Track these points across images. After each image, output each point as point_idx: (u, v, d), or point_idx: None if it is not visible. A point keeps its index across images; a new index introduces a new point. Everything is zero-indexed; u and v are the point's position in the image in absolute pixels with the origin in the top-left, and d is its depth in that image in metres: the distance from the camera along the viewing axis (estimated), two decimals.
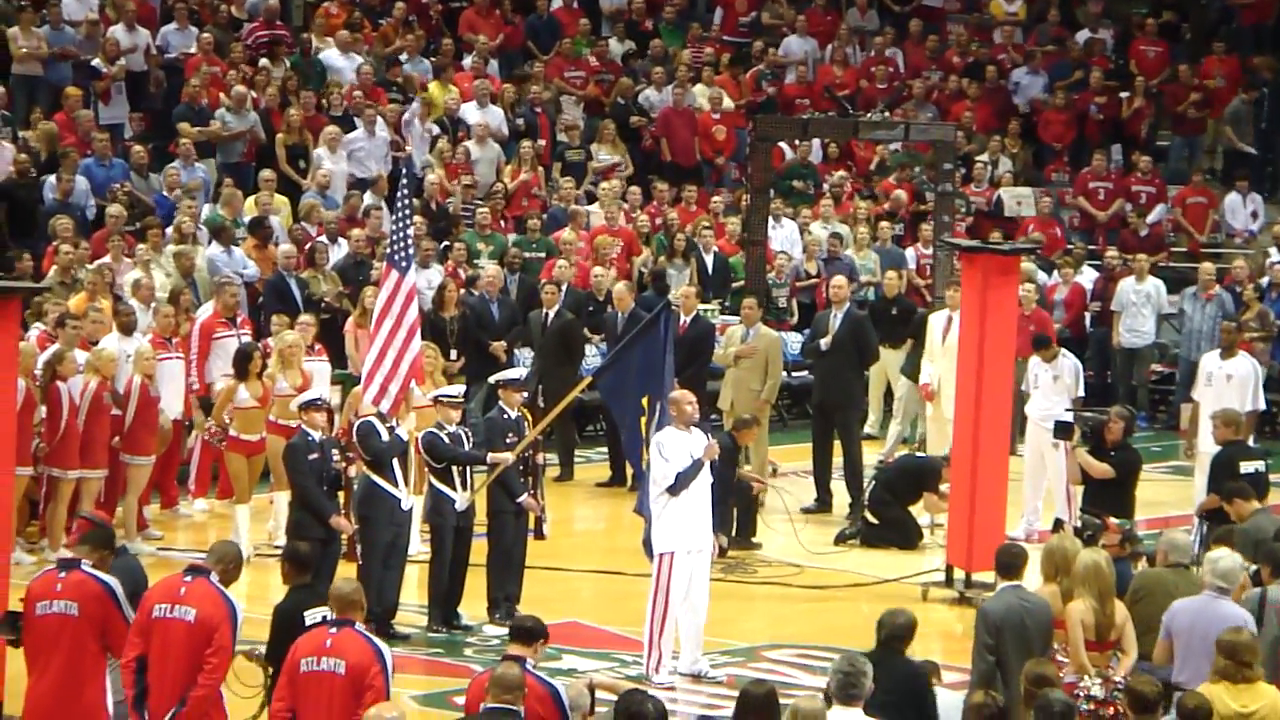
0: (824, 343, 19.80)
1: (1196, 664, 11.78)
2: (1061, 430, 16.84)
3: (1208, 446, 17.31)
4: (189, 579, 10.90)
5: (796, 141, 27.13)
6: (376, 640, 10.41)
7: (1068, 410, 17.88)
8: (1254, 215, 27.91)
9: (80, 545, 11.48)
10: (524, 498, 15.72)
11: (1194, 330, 24.09)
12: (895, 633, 11.31)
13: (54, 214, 21.34)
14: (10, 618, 11.50)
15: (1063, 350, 19.40)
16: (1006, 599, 12.21)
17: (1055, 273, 25.16)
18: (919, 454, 20.03)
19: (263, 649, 11.55)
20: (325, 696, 10.28)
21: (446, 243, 23.26)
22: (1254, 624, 11.86)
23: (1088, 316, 25.42)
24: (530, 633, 10.60)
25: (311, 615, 10.79)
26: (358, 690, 10.22)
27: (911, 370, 21.07)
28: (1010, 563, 12.48)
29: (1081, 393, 19.10)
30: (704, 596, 14.57)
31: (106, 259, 20.48)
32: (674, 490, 14.36)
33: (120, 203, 22.02)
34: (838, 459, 19.87)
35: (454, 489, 15.48)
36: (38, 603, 11.15)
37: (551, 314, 21.22)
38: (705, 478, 14.51)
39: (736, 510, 18.20)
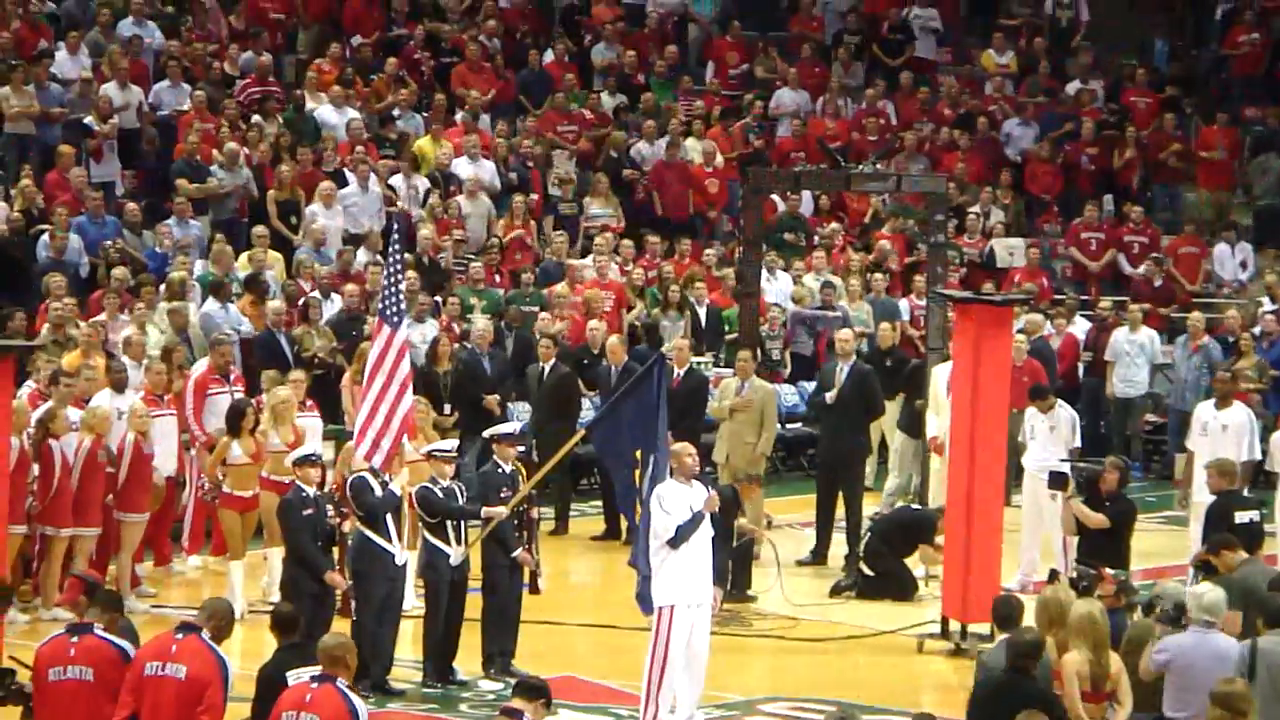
0: (829, 396, 19.76)
1: (1188, 699, 11.87)
2: (1056, 481, 16.82)
3: (1203, 496, 17.30)
4: (180, 636, 10.86)
5: (789, 193, 27.18)
6: (354, 699, 10.33)
7: (1063, 461, 17.86)
8: (1243, 265, 27.96)
9: (91, 608, 11.41)
10: (519, 552, 15.69)
11: (1181, 380, 24.17)
12: (1023, 650, 11.12)
13: (47, 271, 21.34)
14: (9, 679, 11.43)
15: (1059, 401, 19.38)
16: (1002, 650, 12.17)
17: (1048, 323, 25.18)
18: (914, 506, 19.99)
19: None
20: None
21: (439, 297, 23.27)
22: (1244, 655, 11.95)
23: (1080, 367, 25.42)
24: (535, 690, 10.57)
25: (295, 675, 10.73)
26: None
27: (907, 424, 21.05)
28: (1008, 614, 12.45)
29: (1078, 443, 19.09)
30: (705, 649, 14.51)
31: (101, 316, 20.46)
32: (674, 543, 14.30)
33: (112, 261, 22.03)
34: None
35: (448, 544, 15.44)
36: (50, 669, 11.08)
37: (548, 368, 21.22)
38: (706, 530, 14.47)
39: (732, 562, 18.15)
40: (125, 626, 11.96)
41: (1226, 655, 12.05)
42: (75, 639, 11.13)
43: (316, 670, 10.53)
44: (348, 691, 10.32)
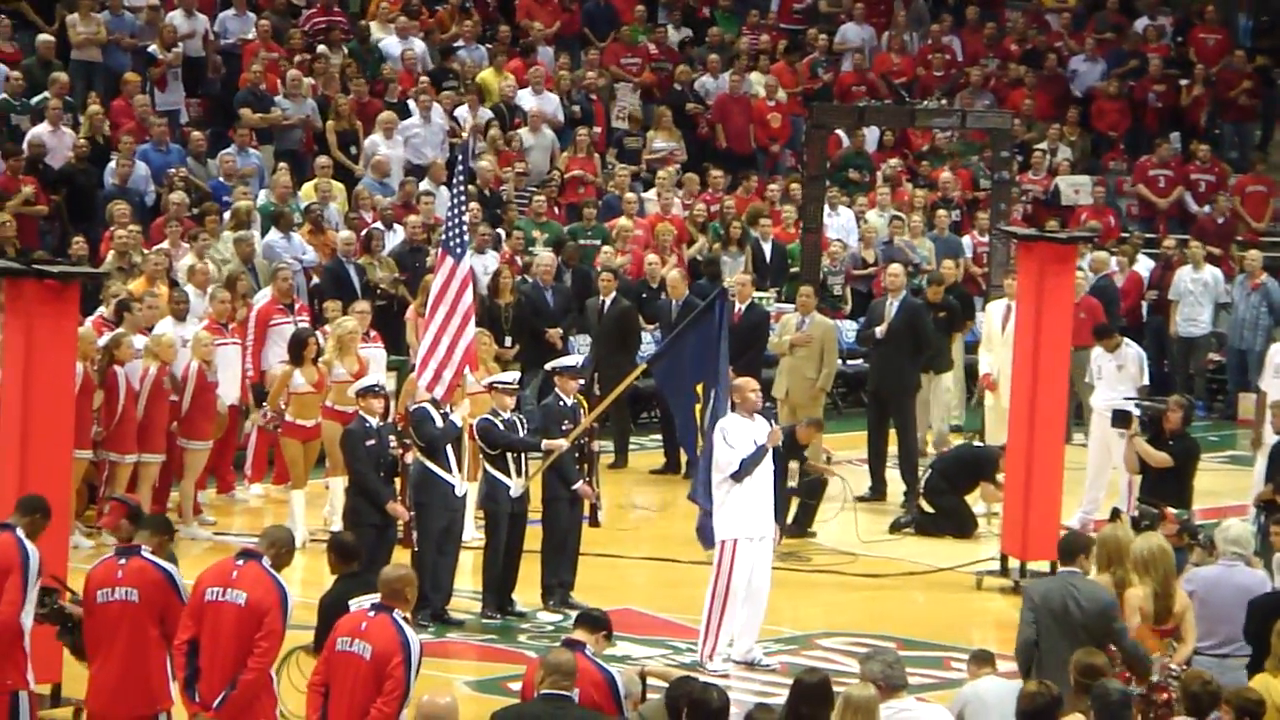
0: (879, 331, 19.75)
1: (1214, 629, 12.06)
2: (1120, 419, 16.76)
3: (1272, 436, 17.21)
4: (241, 563, 10.94)
5: (854, 130, 27.07)
6: (408, 631, 10.37)
7: (1127, 399, 17.78)
8: None
9: (140, 530, 11.52)
10: (579, 485, 15.73)
11: (1240, 319, 24.02)
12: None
13: (112, 199, 21.43)
14: (51, 599, 11.53)
15: (1125, 339, 19.26)
16: (1051, 581, 12.20)
17: (1112, 261, 25.05)
18: (976, 443, 19.96)
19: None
20: (350, 678, 10.31)
21: (500, 229, 23.28)
22: (1268, 587, 12.16)
23: (1145, 305, 25.29)
24: (596, 621, 10.62)
25: (358, 604, 10.80)
26: (380, 677, 10.24)
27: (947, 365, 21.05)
28: (1068, 548, 12.43)
29: (1146, 381, 18.95)
30: (766, 584, 14.54)
31: (164, 244, 20.55)
32: (738, 477, 14.33)
33: (178, 188, 22.10)
34: (892, 447, 19.83)
35: (509, 476, 15.49)
36: (99, 590, 11.19)
37: (608, 301, 21.22)
38: (768, 465, 14.48)
39: (799, 501, 18.18)
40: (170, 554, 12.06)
41: (1250, 588, 12.17)
42: (123, 561, 11.22)
43: (376, 598, 10.60)
44: (402, 623, 10.37)
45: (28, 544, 11.24)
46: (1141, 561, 12.12)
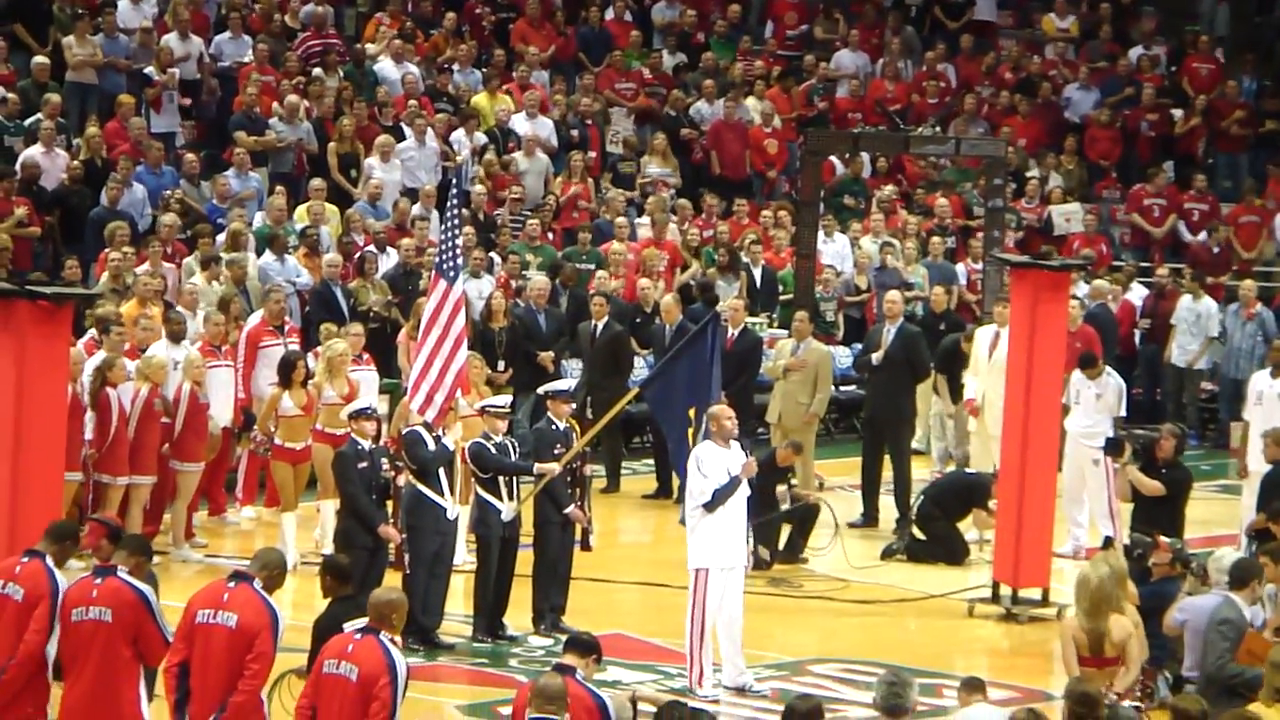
0: (876, 357, 19.76)
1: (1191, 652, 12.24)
2: (1112, 447, 16.78)
3: (1259, 465, 17.24)
4: (232, 585, 10.92)
5: (848, 156, 27.09)
6: (394, 653, 10.36)
7: (1121, 429, 17.79)
8: None
9: (118, 551, 11.48)
10: (570, 509, 15.72)
11: (1235, 348, 24.08)
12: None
13: (106, 221, 21.42)
14: None
15: (1108, 369, 19.28)
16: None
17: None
18: (968, 470, 19.96)
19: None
20: (337, 700, 10.31)
21: (493, 253, 23.28)
22: (1259, 622, 12.26)
23: (1137, 334, 25.32)
24: (587, 646, 10.62)
25: (351, 627, 10.78)
26: (366, 699, 10.23)
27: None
28: (1241, 576, 12.60)
29: (1123, 412, 18.98)
30: (738, 611, 14.51)
31: (146, 265, 20.48)
32: (710, 507, 14.30)
33: (173, 210, 22.11)
34: (886, 474, 19.82)
35: (500, 499, 15.48)
36: (74, 609, 11.14)
37: (600, 326, 21.23)
38: (742, 494, 14.46)
39: (791, 527, 18.17)
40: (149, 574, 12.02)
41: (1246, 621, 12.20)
42: (99, 580, 11.18)
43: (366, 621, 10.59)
44: (389, 645, 10.35)
45: (57, 573, 11.22)
46: (1075, 592, 12.17)
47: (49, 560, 11.25)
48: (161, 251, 20.80)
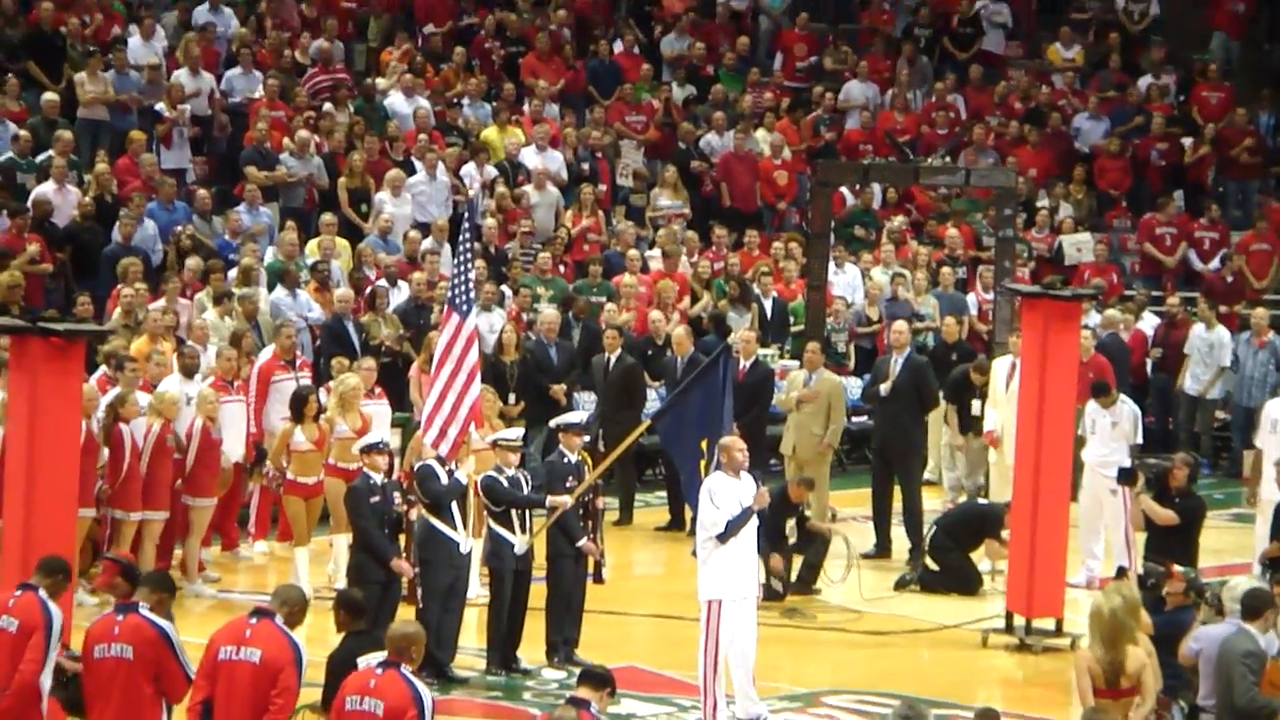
0: (884, 388, 19.77)
1: (1212, 685, 12.13)
2: (1125, 476, 16.75)
3: (1271, 494, 17.22)
4: (254, 621, 10.94)
5: (858, 187, 27.12)
6: (419, 685, 10.36)
7: (1128, 457, 17.77)
8: None
9: (140, 587, 11.52)
10: (583, 541, 15.72)
11: (1247, 377, 24.06)
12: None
13: (118, 257, 21.46)
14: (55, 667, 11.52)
15: (1122, 396, 19.29)
16: None
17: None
18: (981, 500, 19.94)
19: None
20: None
21: (505, 287, 23.31)
22: (1273, 650, 12.22)
23: (1149, 363, 25.30)
24: (601, 679, 10.63)
25: (365, 661, 10.79)
26: None
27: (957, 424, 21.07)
28: (1255, 605, 12.59)
29: (1139, 440, 18.99)
30: (751, 643, 14.49)
31: (160, 302, 20.50)
32: (723, 538, 14.28)
33: (185, 247, 22.16)
34: (897, 504, 19.81)
35: (513, 532, 15.48)
36: (96, 645, 11.20)
37: (613, 358, 21.24)
38: (752, 525, 14.45)
39: (804, 559, 18.16)
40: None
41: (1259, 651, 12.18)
42: (121, 617, 11.22)
43: (384, 655, 10.58)
44: (412, 678, 10.36)
45: (51, 605, 11.27)
46: (1089, 623, 12.17)
47: (42, 593, 11.28)
48: (179, 289, 20.85)
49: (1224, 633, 12.30)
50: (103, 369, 18.16)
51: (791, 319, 24.40)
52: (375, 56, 28.22)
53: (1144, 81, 30.64)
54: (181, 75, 25.14)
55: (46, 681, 11.18)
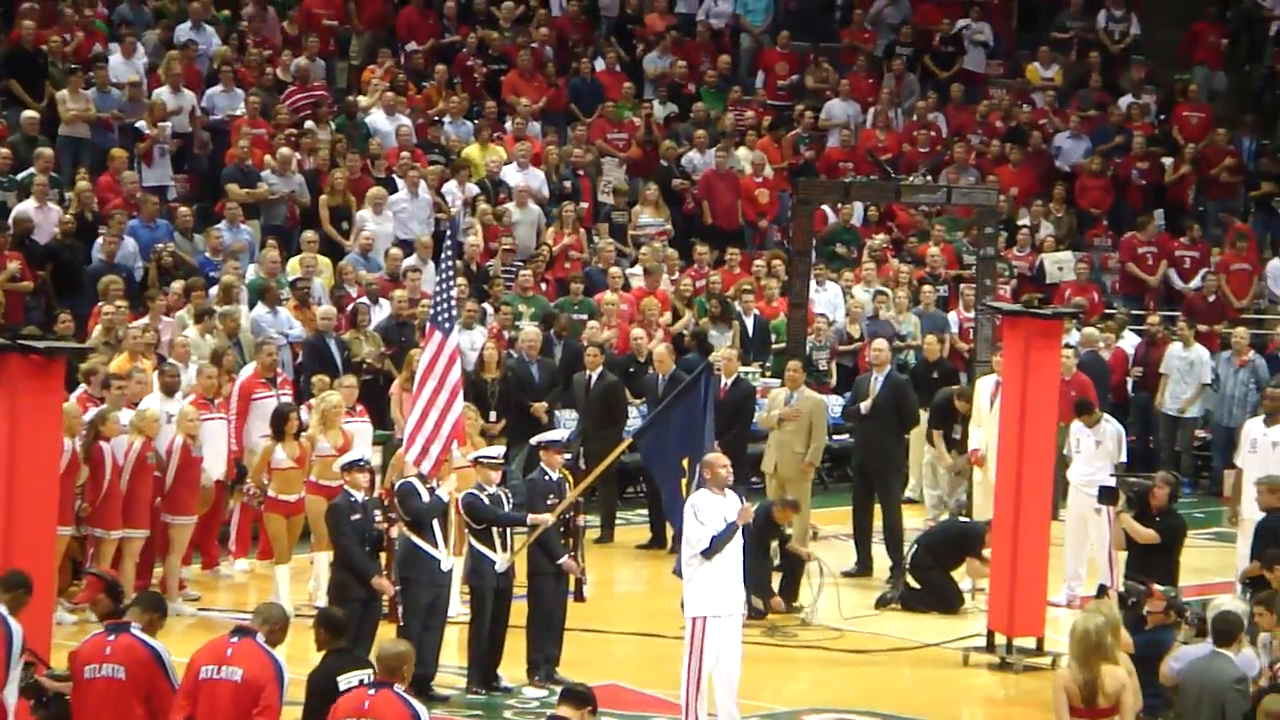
0: (865, 406, 19.79)
1: (1201, 713, 12.10)
2: (1106, 495, 16.76)
3: (1251, 513, 17.23)
4: (235, 640, 10.92)
5: (839, 205, 27.14)
6: (414, 703, 10.37)
7: (1112, 475, 17.80)
8: None
9: (132, 608, 11.50)
10: (564, 559, 15.71)
11: (1228, 396, 24.11)
12: None
13: (99, 275, 21.43)
14: (28, 673, 11.49)
15: (1105, 415, 19.32)
16: None
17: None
18: (962, 518, 19.96)
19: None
20: None
21: (486, 304, 23.30)
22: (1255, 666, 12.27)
23: (1130, 381, 25.33)
24: (582, 697, 10.62)
25: (346, 680, 10.77)
26: None
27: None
28: (1226, 630, 12.59)
29: (1124, 458, 19.02)
30: (736, 660, 14.47)
31: (144, 320, 20.47)
32: (708, 554, 14.28)
33: (166, 264, 22.13)
34: (878, 522, 19.82)
35: (494, 550, 15.47)
36: (86, 665, 11.17)
37: (594, 376, 21.24)
38: (737, 541, 14.44)
39: (781, 575, 18.16)
40: None
41: (1236, 676, 12.15)
42: (112, 637, 11.20)
43: (364, 674, 10.57)
44: (409, 696, 10.36)
45: (10, 620, 11.22)
46: (1069, 639, 12.18)
47: (2, 609, 11.24)
48: (163, 309, 20.83)
49: (1200, 652, 12.26)
50: (83, 387, 18.12)
51: (773, 337, 24.41)
52: (357, 74, 28.20)
53: (1125, 101, 30.70)
54: (163, 93, 25.11)
55: (10, 698, 11.14)
